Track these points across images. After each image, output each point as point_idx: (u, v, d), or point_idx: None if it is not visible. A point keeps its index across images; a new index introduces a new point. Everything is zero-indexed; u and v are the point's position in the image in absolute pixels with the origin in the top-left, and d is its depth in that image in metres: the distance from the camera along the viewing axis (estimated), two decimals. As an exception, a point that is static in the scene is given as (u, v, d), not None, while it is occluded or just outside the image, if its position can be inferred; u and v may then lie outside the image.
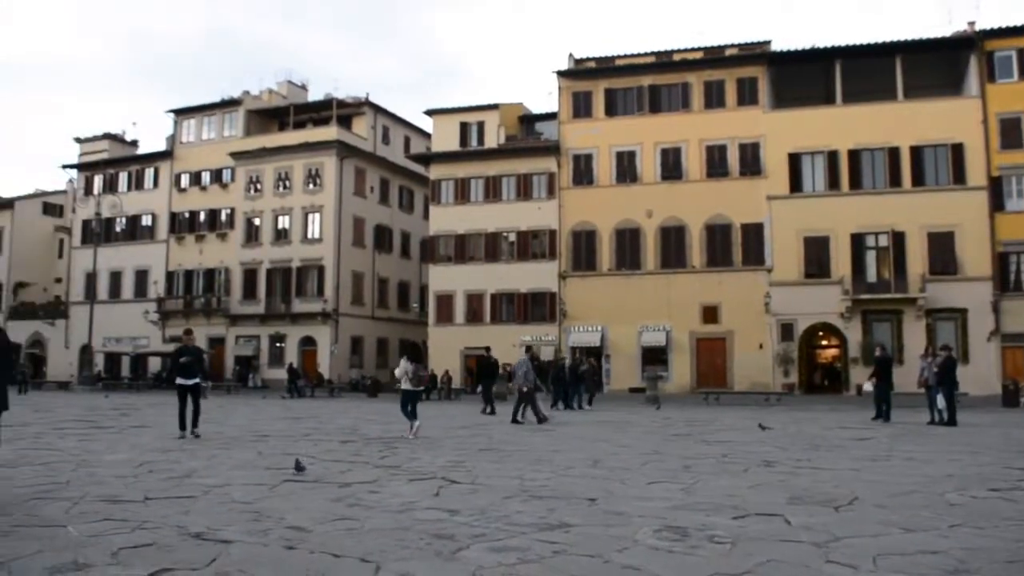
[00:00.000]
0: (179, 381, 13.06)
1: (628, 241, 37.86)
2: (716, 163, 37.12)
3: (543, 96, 60.30)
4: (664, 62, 39.31)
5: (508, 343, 35.84)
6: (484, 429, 15.50)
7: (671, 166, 37.70)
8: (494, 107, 42.46)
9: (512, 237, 40.18)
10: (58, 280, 53.10)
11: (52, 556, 4.71)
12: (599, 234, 38.21)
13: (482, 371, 22.53)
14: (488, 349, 24.20)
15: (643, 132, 37.86)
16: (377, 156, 46.70)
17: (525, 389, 17.23)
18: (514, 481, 8.14)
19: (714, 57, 38.76)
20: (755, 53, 38.20)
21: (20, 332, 50.04)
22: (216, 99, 47.91)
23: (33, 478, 8.00)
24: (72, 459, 9.62)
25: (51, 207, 55.31)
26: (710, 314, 36.42)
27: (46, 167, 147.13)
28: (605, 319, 37.39)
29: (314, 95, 50.77)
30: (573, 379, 24.41)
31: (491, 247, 40.37)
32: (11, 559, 4.65)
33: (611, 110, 38.82)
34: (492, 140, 41.82)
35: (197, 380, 13.08)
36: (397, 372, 13.43)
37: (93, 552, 4.80)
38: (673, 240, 37.24)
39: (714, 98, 37.45)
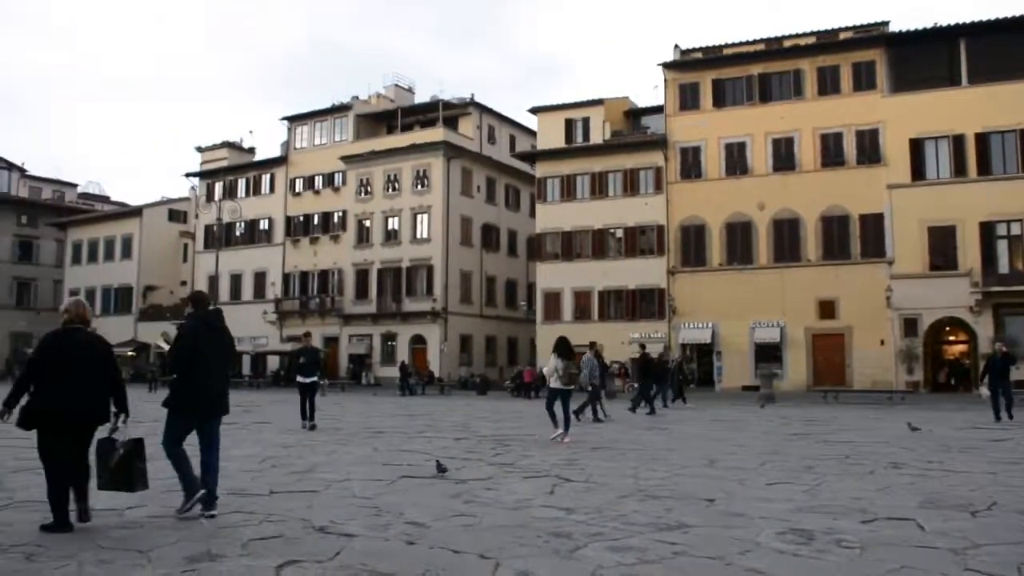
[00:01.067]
0: (299, 379, 14.06)
1: (739, 235, 36.93)
2: (831, 152, 35.74)
3: (648, 89, 59.41)
4: (774, 49, 38.11)
5: (617, 340, 35.58)
6: (595, 428, 15.42)
7: (783, 156, 36.53)
8: (599, 102, 42.18)
9: (619, 233, 39.83)
10: (183, 283, 55.80)
11: (188, 547, 4.93)
12: (709, 228, 37.42)
13: (646, 370, 20.91)
14: (643, 346, 23.57)
15: (753, 122, 36.84)
16: (483, 155, 47.14)
17: (591, 387, 17.17)
18: (628, 480, 8.04)
19: (828, 42, 37.26)
20: (872, 35, 36.56)
21: (150, 332, 52.91)
22: (327, 105, 49.42)
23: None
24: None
25: (176, 214, 58.21)
26: (827, 309, 35.10)
27: (171, 176, 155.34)
28: (716, 315, 36.58)
29: (420, 97, 51.71)
30: (661, 376, 23.95)
31: (598, 244, 40.14)
32: (150, 549, 4.89)
33: (719, 101, 37.94)
34: (597, 136, 41.56)
35: (315, 378, 13.94)
36: (546, 369, 12.77)
37: (225, 543, 5.00)
38: (787, 233, 36.09)
39: (828, 84, 36.04)
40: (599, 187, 40.24)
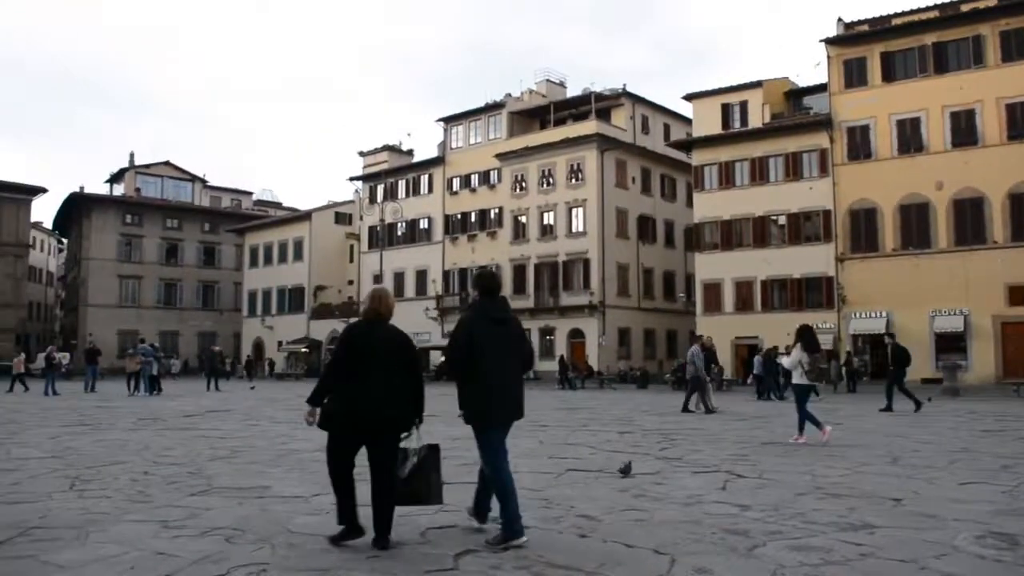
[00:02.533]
0: None
1: (914, 217, 34.63)
2: (1020, 123, 32.82)
3: (810, 68, 56.79)
4: (950, 15, 35.38)
5: (782, 331, 34.16)
6: (764, 423, 14.90)
7: (963, 131, 33.90)
8: (757, 85, 40.72)
9: (782, 220, 38.31)
10: (350, 282, 58.46)
11: (371, 532, 5.11)
12: (880, 211, 35.31)
13: (895, 358, 18.15)
14: (892, 336, 21.32)
15: (928, 96, 34.41)
16: (637, 146, 46.60)
17: (700, 376, 17.49)
18: (805, 477, 7.70)
19: (1012, 2, 34.25)
20: (1064, -6, 33.33)
21: (321, 330, 55.82)
22: (480, 104, 50.34)
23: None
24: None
25: (342, 216, 61.01)
26: (1018, 295, 32.28)
27: (336, 180, 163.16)
28: (890, 304, 34.48)
29: (572, 91, 51.71)
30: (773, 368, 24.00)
31: (759, 232, 38.78)
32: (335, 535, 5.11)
33: (889, 75, 35.70)
34: (756, 119, 40.14)
35: None
36: (787, 362, 11.42)
37: (404, 531, 5.16)
38: (969, 213, 33.48)
39: (1014, 49, 33.06)
40: (759, 173, 38.87)
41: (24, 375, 28.30)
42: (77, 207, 63.52)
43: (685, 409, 17.26)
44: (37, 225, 69.43)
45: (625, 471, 7.69)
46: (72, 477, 7.62)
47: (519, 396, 5.22)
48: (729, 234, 39.59)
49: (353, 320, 5.20)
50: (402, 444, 4.90)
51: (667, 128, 49.50)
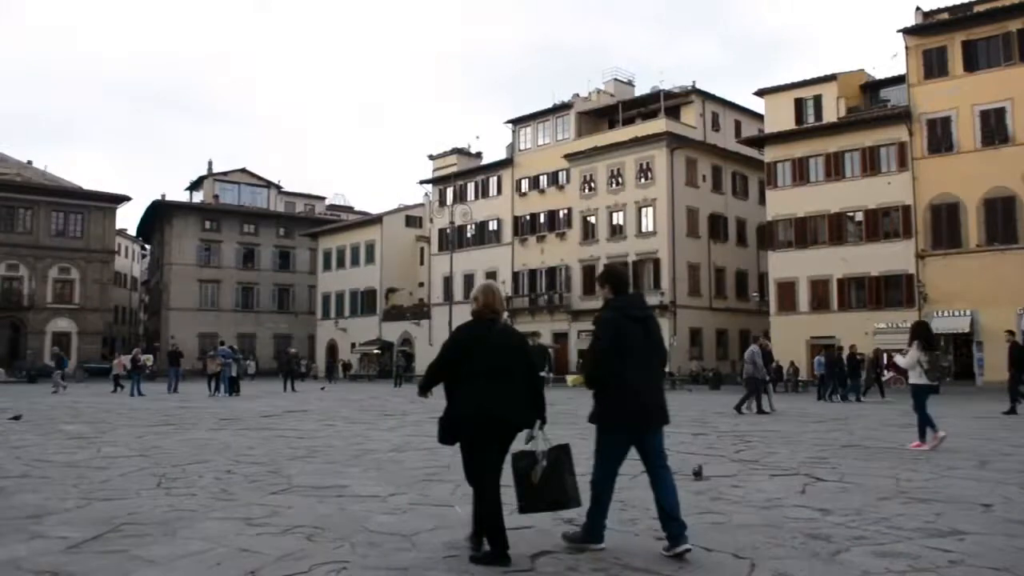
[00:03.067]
0: None
1: (1000, 212, 33.31)
2: (1112, 112, 31.34)
3: (887, 59, 55.05)
4: (1036, 2, 33.99)
5: (860, 331, 33.39)
6: (842, 424, 14.54)
7: (1051, 121, 32.50)
8: (831, 78, 39.74)
9: (858, 216, 37.31)
10: (420, 284, 59.14)
11: (445, 533, 5.17)
12: (963, 206, 34.08)
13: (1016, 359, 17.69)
14: (1012, 334, 21.11)
15: (1012, 85, 33.02)
16: (707, 144, 45.98)
17: (758, 377, 17.45)
18: (888, 480, 7.49)
19: (1103, -13, 32.71)
20: None
21: (392, 332, 56.61)
22: (548, 105, 50.33)
23: (421, 462, 8.90)
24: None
25: (412, 219, 61.73)
26: (1112, 291, 30.82)
27: (406, 184, 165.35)
28: (975, 302, 33.24)
29: (641, 89, 51.32)
30: (852, 369, 24.24)
31: (835, 229, 37.83)
32: (414, 533, 5.18)
33: (971, 64, 34.43)
34: (831, 114, 39.18)
35: (541, 373, 14.51)
36: (904, 362, 10.45)
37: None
38: (1061, 207, 32.08)
39: (1105, 35, 31.63)
40: (834, 168, 37.93)
41: (120, 376, 29.43)
42: (159, 214, 65.85)
43: (739, 409, 17.19)
44: (122, 232, 72.12)
45: (698, 474, 7.56)
46: (159, 475, 7.88)
47: (661, 399, 4.88)
48: (804, 231, 38.74)
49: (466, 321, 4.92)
50: (528, 447, 4.62)
51: (738, 125, 48.72)
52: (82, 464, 8.76)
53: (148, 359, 35.85)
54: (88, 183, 64.57)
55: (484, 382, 4.51)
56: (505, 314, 4.85)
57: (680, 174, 43.83)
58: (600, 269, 44.59)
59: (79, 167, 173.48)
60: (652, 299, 42.55)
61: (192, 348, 55.71)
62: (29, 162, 67.84)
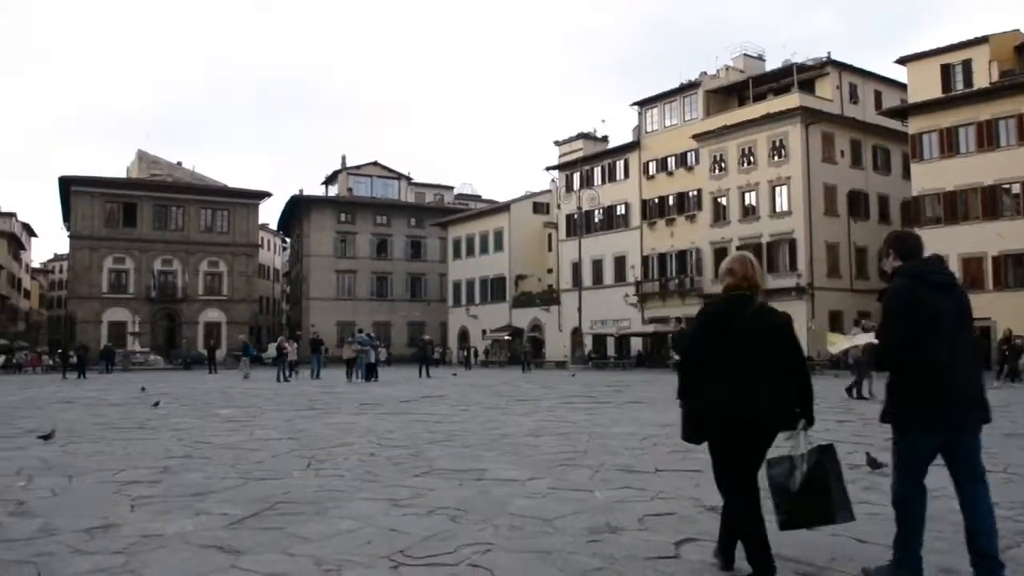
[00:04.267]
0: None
1: None
2: None
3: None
4: None
5: (1020, 311, 31.16)
6: (1004, 412, 13.58)
7: None
8: (982, 40, 37.05)
9: (1015, 189, 34.72)
10: (549, 271, 59.31)
11: (587, 519, 5.15)
12: None
13: None
14: None
15: None
16: (845, 117, 43.87)
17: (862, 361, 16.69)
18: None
19: None
20: None
21: (522, 318, 57.10)
22: (674, 85, 49.28)
23: (557, 447, 8.93)
24: (583, 431, 10.57)
25: (539, 206, 61.93)
26: None
27: (532, 171, 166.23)
28: None
29: (771, 64, 49.44)
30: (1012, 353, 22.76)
31: (989, 203, 35.36)
32: (555, 518, 5.19)
33: None
34: (982, 79, 36.53)
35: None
36: None
37: (621, 516, 5.15)
38: None
39: None
40: (987, 138, 35.44)
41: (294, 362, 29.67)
42: (298, 208, 68.86)
43: (849, 393, 16.84)
44: (264, 226, 75.84)
45: (874, 463, 6.96)
46: (308, 457, 8.24)
47: (980, 389, 3.83)
48: (953, 206, 36.44)
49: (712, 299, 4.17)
50: (786, 452, 3.77)
51: (878, 96, 46.25)
52: (237, 446, 9.26)
53: (291, 347, 37.50)
54: (232, 181, 68.23)
55: (735, 371, 3.78)
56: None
57: (816, 150, 42.04)
58: (732, 251, 43.63)
59: (223, 166, 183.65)
60: (787, 282, 41.15)
61: (331, 336, 58.03)
62: (179, 163, 72.39)
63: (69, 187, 59.09)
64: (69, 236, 59.69)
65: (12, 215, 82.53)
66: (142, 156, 70.66)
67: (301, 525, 5.06)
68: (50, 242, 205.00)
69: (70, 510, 5.63)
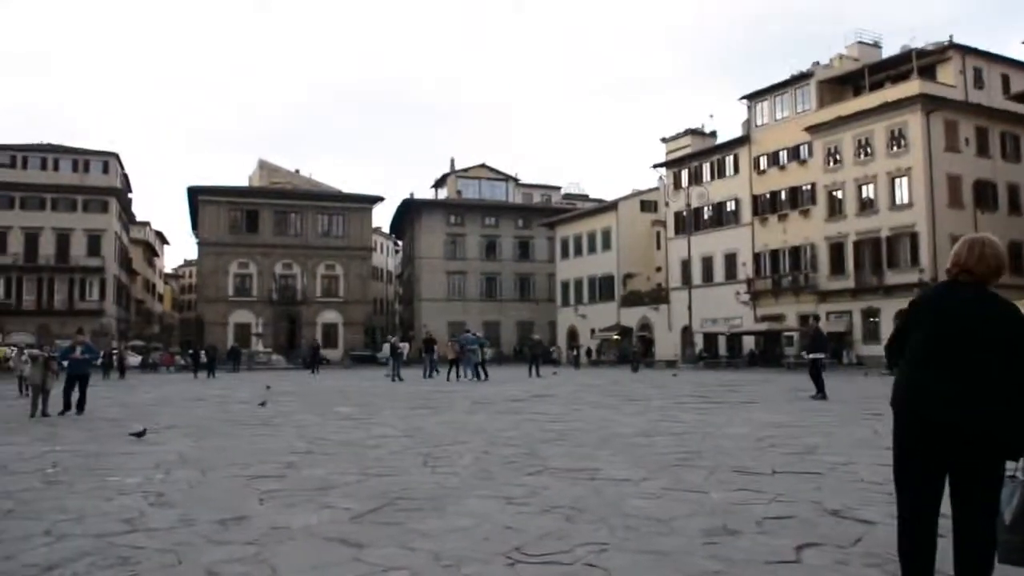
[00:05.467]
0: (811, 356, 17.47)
1: None
2: None
3: None
4: None
5: None
6: None
7: None
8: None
9: None
10: (658, 269, 58.58)
11: (704, 520, 5.10)
12: None
13: None
14: None
15: None
16: (970, 103, 41.60)
17: None
18: None
19: None
20: None
21: (631, 317, 56.63)
22: (785, 77, 47.86)
23: (670, 447, 8.86)
24: (696, 431, 10.43)
25: (647, 204, 61.23)
26: None
27: (639, 169, 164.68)
28: None
29: (889, 51, 47.41)
30: None
31: None
32: (670, 519, 5.16)
33: None
34: (1126, 58, 34.08)
35: (820, 355, 16.91)
36: None
37: (738, 519, 5.08)
38: None
39: None
40: None
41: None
42: (409, 211, 70.56)
43: None
44: (377, 230, 77.96)
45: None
46: (424, 454, 8.45)
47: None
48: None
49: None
50: (1009, 472, 3.14)
51: (1006, 79, 43.70)
52: (356, 443, 9.59)
53: (404, 347, 38.38)
54: (346, 187, 70.48)
55: (927, 367, 3.19)
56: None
57: (938, 139, 40.03)
58: (848, 247, 42.11)
59: (338, 173, 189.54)
60: (910, 277, 39.37)
61: (443, 336, 59.13)
62: (296, 171, 75.29)
63: (196, 196, 62.49)
64: (197, 243, 63.01)
65: (146, 224, 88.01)
66: (263, 165, 74.10)
67: (420, 521, 5.20)
68: (180, 248, 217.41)
69: (205, 502, 5.98)
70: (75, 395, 14.71)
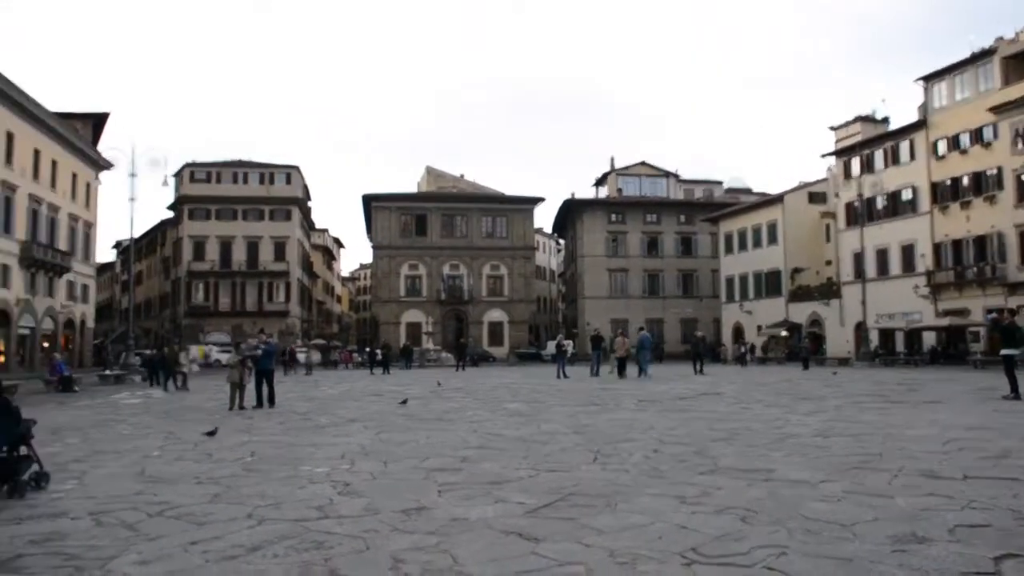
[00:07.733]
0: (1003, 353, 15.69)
1: None
2: None
3: None
4: None
5: None
6: None
7: None
8: None
9: None
10: (828, 263, 55.91)
11: (891, 526, 4.90)
12: None
13: None
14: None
15: None
16: None
17: None
18: None
19: None
20: None
21: (799, 313, 54.37)
22: (965, 55, 44.42)
23: (849, 448, 8.52)
24: (877, 432, 9.95)
25: (815, 195, 58.55)
26: None
27: (805, 160, 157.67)
28: None
29: (1093, 18, 43.12)
30: None
31: None
32: (853, 523, 4.98)
33: None
34: None
35: (1013, 352, 15.30)
36: None
37: (929, 525, 4.86)
38: None
39: None
40: None
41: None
42: (570, 211, 71.10)
43: None
44: (539, 230, 78.94)
45: None
46: (594, 451, 8.55)
47: None
48: None
49: None
50: None
51: None
52: (527, 439, 9.83)
53: (569, 344, 38.70)
54: (508, 189, 72.08)
55: None
56: None
57: None
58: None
59: (500, 176, 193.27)
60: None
61: (606, 334, 59.15)
62: (461, 175, 77.66)
63: (371, 204, 66.01)
64: (372, 247, 66.30)
65: (325, 231, 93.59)
66: (430, 171, 77.06)
67: (593, 517, 5.30)
68: (356, 252, 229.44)
69: (387, 492, 6.36)
70: (265, 390, 16.00)
